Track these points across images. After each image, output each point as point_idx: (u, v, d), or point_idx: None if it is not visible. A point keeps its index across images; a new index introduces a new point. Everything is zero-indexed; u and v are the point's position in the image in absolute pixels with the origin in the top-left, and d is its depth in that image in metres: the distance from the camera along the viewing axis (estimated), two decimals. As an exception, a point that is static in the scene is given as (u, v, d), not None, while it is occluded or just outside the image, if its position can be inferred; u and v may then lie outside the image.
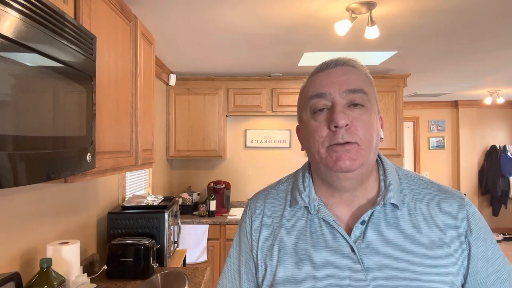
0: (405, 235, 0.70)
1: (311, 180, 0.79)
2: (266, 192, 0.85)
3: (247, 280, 0.81)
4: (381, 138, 0.75)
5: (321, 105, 0.70)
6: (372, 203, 0.73)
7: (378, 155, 0.79)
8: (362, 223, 0.71)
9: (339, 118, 0.67)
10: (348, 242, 0.70)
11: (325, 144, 0.69)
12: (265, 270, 0.76)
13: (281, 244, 0.76)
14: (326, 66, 0.74)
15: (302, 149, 0.78)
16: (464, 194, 0.78)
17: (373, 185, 0.75)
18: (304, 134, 0.76)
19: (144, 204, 2.26)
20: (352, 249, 0.69)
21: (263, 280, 0.76)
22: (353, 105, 0.69)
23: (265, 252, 0.77)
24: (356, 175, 0.71)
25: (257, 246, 0.79)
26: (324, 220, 0.73)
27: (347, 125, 0.67)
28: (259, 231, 0.80)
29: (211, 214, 3.67)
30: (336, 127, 0.67)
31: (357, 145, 0.68)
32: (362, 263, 0.68)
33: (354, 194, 0.74)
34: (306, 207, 0.76)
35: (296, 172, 0.84)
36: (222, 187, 3.92)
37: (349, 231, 0.72)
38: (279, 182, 0.86)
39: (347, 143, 0.67)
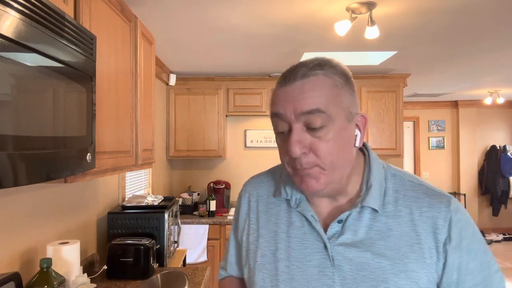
0: (379, 237, 0.69)
1: None
2: (259, 178, 0.88)
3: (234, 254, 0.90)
4: (356, 146, 0.71)
5: (280, 128, 0.69)
6: (352, 203, 0.73)
7: (368, 152, 0.77)
8: (339, 221, 0.71)
9: (294, 149, 0.65)
10: (322, 239, 0.71)
11: (290, 165, 0.70)
12: (247, 253, 0.80)
13: (262, 231, 0.79)
14: (285, 82, 0.68)
15: None
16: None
17: (354, 187, 0.74)
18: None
19: (144, 204, 2.26)
20: (325, 246, 0.70)
21: (245, 264, 0.80)
22: (313, 128, 0.66)
23: (249, 236, 0.81)
24: (326, 192, 0.71)
25: (243, 229, 0.83)
26: (304, 215, 0.74)
27: (304, 152, 0.66)
28: (246, 214, 0.84)
29: (211, 214, 3.67)
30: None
31: (318, 167, 0.67)
32: (332, 260, 0.69)
33: (334, 198, 0.75)
34: (288, 200, 0.78)
35: None
36: (222, 187, 3.92)
37: (326, 227, 0.72)
38: (272, 169, 0.88)
39: (309, 168, 0.67)
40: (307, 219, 0.74)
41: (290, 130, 0.67)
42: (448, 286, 0.67)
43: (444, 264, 0.67)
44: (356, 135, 0.71)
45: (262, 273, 0.75)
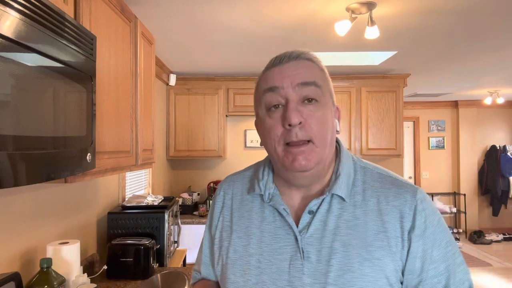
0: (346, 227, 0.70)
1: (271, 169, 0.81)
2: (234, 176, 0.89)
3: (209, 254, 0.89)
4: (337, 131, 0.76)
5: (275, 101, 0.71)
6: (321, 193, 0.74)
7: (339, 145, 0.80)
8: (310, 212, 0.72)
9: (292, 116, 0.67)
10: (293, 232, 0.72)
11: (281, 143, 0.70)
12: (220, 250, 0.81)
13: (235, 227, 0.80)
14: (279, 61, 0.73)
15: (260, 144, 0.79)
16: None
17: (327, 177, 0.76)
18: (261, 131, 0.77)
19: (144, 204, 2.26)
20: (297, 239, 0.71)
21: (218, 261, 0.81)
22: (307, 100, 0.70)
23: (222, 233, 0.82)
24: (313, 173, 0.72)
25: (216, 226, 0.84)
26: (276, 209, 0.75)
27: (300, 122, 0.68)
28: (220, 212, 0.85)
29: (211, 214, 3.66)
30: (290, 125, 0.68)
31: (311, 143, 0.69)
32: (302, 252, 0.70)
33: (311, 188, 0.76)
34: (262, 195, 0.79)
35: (262, 161, 0.87)
36: (222, 187, 3.92)
37: (298, 219, 0.73)
38: (248, 168, 0.90)
39: (302, 144, 0.68)
40: (279, 213, 0.75)
41: (285, 104, 0.70)
42: (411, 274, 0.68)
43: (408, 252, 0.67)
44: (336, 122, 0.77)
45: (234, 268, 0.76)
